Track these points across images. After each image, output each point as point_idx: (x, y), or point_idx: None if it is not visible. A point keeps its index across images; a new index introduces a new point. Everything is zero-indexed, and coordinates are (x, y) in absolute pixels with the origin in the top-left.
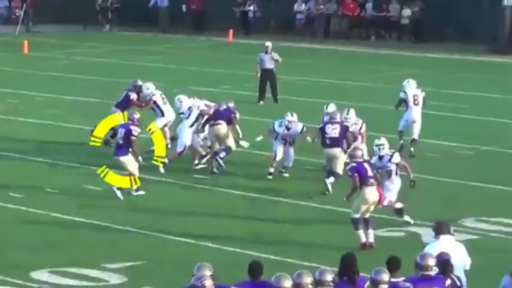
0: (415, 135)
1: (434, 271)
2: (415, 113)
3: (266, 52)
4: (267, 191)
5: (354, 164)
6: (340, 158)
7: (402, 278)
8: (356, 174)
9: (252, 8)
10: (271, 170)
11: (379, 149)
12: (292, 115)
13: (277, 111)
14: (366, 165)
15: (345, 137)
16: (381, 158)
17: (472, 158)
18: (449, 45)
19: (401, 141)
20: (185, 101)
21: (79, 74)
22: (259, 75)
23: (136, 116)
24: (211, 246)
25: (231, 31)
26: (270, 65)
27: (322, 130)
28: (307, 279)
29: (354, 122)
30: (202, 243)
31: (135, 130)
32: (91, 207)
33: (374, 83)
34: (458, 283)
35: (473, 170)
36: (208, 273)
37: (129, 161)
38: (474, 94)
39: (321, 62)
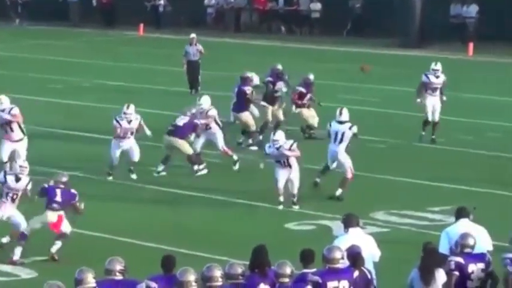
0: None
1: (341, 264)
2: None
3: (191, 44)
4: (184, 187)
5: None
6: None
7: (314, 270)
8: None
9: (162, 2)
10: (280, 199)
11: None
12: (274, 134)
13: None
14: None
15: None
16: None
17: (383, 151)
18: (362, 39)
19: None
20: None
21: None
22: (185, 67)
23: None
24: (124, 241)
25: (141, 25)
26: (195, 56)
27: None
28: (217, 273)
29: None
30: (116, 237)
31: None
32: None
33: None
34: (369, 276)
35: (384, 163)
36: (118, 267)
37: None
38: (385, 87)
39: (232, 55)
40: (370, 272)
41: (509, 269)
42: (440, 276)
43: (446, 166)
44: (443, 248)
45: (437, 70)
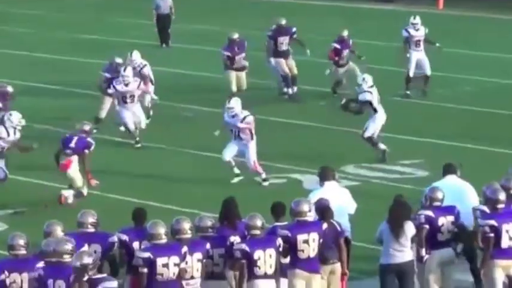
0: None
1: (309, 217)
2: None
3: None
4: (155, 141)
5: None
6: None
7: (285, 223)
8: None
9: None
10: (235, 170)
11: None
12: (229, 102)
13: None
14: None
15: None
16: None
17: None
18: None
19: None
20: None
21: None
22: (155, 20)
23: None
24: (96, 194)
25: None
26: (165, 10)
27: None
28: (186, 225)
29: None
30: (88, 191)
31: None
32: None
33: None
34: (339, 228)
35: (355, 117)
36: (90, 220)
37: None
38: (359, 41)
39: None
40: (340, 224)
41: (479, 221)
42: (410, 228)
43: (420, 120)
44: None
45: (416, 24)
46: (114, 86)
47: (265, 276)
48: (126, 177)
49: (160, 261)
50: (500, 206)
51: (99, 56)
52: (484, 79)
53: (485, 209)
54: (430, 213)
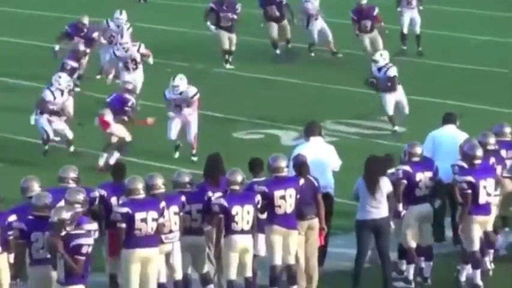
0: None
1: (286, 172)
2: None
3: None
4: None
5: None
6: None
7: (263, 178)
8: None
9: None
10: (177, 142)
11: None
12: (174, 80)
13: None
14: None
15: None
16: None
17: (335, 62)
18: None
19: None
20: None
21: None
22: None
23: None
24: (80, 151)
25: None
26: None
27: None
28: (159, 181)
29: None
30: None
31: None
32: None
33: None
34: (316, 184)
35: (333, 73)
36: (72, 175)
37: None
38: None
39: None
40: (316, 179)
41: (456, 177)
42: (385, 184)
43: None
44: (428, 151)
45: None
46: (114, 53)
47: (242, 231)
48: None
49: (138, 216)
50: (477, 161)
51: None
52: (472, 37)
53: (464, 164)
54: (408, 168)
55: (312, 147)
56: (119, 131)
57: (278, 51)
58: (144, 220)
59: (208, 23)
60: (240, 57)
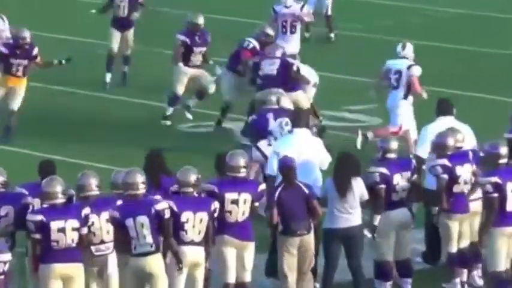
0: None
1: (244, 173)
2: None
3: None
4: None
5: None
6: None
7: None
8: None
9: None
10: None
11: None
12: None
13: None
14: None
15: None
16: None
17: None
18: None
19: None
20: None
21: None
22: None
23: None
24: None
25: None
26: None
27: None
28: (93, 180)
29: None
30: None
31: None
32: None
33: None
34: (306, 190)
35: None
36: (0, 179)
37: None
38: None
39: None
40: (307, 185)
41: (442, 176)
42: (358, 185)
43: (364, 55)
44: (422, 148)
45: None
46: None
47: (193, 242)
48: (32, 129)
49: (54, 225)
50: (503, 161)
51: None
52: (432, 8)
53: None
54: (384, 170)
55: (295, 140)
56: None
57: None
58: (61, 230)
59: None
60: None
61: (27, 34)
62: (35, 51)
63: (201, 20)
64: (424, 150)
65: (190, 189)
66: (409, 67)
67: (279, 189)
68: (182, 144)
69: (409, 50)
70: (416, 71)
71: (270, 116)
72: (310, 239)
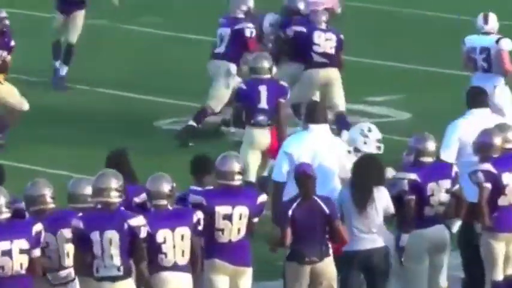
0: None
1: (239, 181)
2: None
3: None
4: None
5: None
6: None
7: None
8: None
9: None
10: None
11: None
12: None
13: None
14: None
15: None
16: None
17: None
18: None
19: None
20: None
21: None
22: None
23: None
24: None
25: None
26: None
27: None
28: (46, 191)
29: None
30: None
31: None
32: None
33: None
34: (326, 210)
35: None
36: None
37: None
38: None
39: None
40: (327, 201)
41: (484, 185)
42: (382, 196)
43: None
44: (449, 151)
45: None
46: None
47: (176, 267)
48: None
49: None
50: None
51: None
52: None
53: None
54: (415, 176)
55: (311, 140)
56: None
57: None
58: (6, 253)
59: None
60: None
61: (2, 14)
62: (12, 43)
63: None
64: (449, 154)
65: (164, 202)
66: (497, 40)
67: (295, 204)
68: (157, 144)
69: (493, 22)
70: (506, 44)
71: (263, 88)
72: (325, 266)
